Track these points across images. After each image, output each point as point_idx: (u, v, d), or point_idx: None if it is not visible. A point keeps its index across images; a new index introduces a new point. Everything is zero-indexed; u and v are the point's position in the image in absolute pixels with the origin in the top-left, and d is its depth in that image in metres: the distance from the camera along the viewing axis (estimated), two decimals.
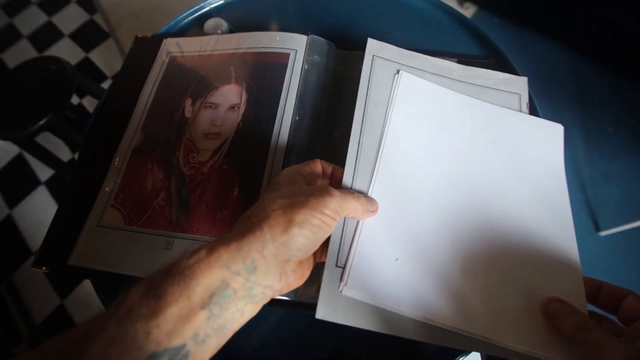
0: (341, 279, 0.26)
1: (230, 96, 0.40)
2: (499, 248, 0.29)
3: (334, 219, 0.24)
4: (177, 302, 0.18)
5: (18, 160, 1.31)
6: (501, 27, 1.31)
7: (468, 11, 1.35)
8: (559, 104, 1.17)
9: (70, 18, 1.57)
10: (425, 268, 0.27)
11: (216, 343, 0.20)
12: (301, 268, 0.24)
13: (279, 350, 0.32)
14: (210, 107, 0.40)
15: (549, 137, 0.35)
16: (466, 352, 0.30)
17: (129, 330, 0.18)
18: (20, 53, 1.51)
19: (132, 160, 0.38)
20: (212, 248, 0.20)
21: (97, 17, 1.55)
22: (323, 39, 0.41)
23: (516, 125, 0.35)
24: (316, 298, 0.26)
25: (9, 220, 1.21)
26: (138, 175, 0.37)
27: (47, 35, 1.54)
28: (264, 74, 0.40)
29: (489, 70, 0.38)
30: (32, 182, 1.26)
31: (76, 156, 1.24)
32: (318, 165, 0.30)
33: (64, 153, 1.26)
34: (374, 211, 0.29)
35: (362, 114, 0.33)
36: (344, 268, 0.27)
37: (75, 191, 0.38)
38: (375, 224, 0.29)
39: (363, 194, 0.29)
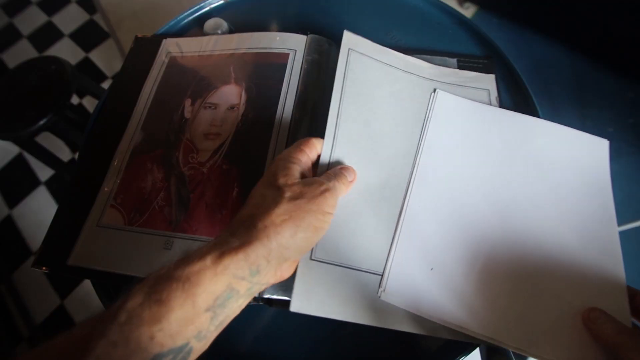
0: (380, 285, 0.28)
1: (229, 96, 0.40)
2: (536, 263, 0.29)
3: (332, 214, 0.24)
4: (181, 307, 0.19)
5: (18, 160, 1.31)
6: (501, 27, 1.31)
7: (468, 11, 1.35)
8: (559, 104, 1.17)
9: (71, 18, 1.57)
10: (460, 280, 0.28)
11: (216, 334, 0.21)
12: (295, 262, 0.26)
13: (278, 350, 0.32)
14: (210, 107, 0.40)
15: (592, 152, 0.35)
16: (466, 352, 0.30)
17: (131, 335, 0.18)
18: (20, 53, 1.51)
19: (132, 161, 0.38)
20: (219, 256, 0.20)
21: (97, 17, 1.55)
22: (323, 38, 0.41)
23: (558, 140, 0.35)
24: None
25: (9, 220, 1.21)
26: (137, 176, 0.37)
27: (47, 35, 1.54)
28: (264, 74, 0.40)
29: (457, 70, 0.40)
30: (32, 182, 1.26)
31: (76, 156, 1.24)
32: (314, 150, 0.29)
33: (64, 153, 1.26)
34: (352, 181, 0.29)
35: (337, 107, 0.33)
36: (382, 275, 0.28)
37: (75, 191, 0.38)
38: (412, 233, 0.30)
39: (339, 168, 0.29)
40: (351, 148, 0.32)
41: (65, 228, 0.36)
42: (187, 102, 0.40)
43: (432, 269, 0.28)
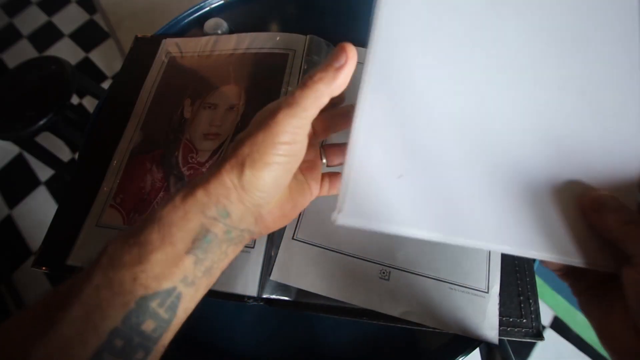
0: (336, 208, 0.21)
1: (229, 96, 0.40)
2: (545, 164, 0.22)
3: (294, 142, 0.20)
4: (160, 248, 0.19)
5: (18, 160, 1.31)
6: None
7: None
8: None
9: (70, 18, 1.57)
10: (437, 184, 0.22)
11: (206, 282, 0.21)
12: (279, 209, 0.22)
13: (278, 350, 0.32)
14: (210, 107, 0.39)
15: None
16: (466, 352, 0.30)
17: (114, 277, 0.18)
18: (20, 53, 1.51)
19: (131, 160, 0.38)
20: (185, 194, 0.20)
21: (97, 17, 1.55)
22: (322, 39, 0.41)
23: None
24: (314, 298, 0.26)
25: (9, 220, 1.21)
26: (137, 176, 0.37)
27: (47, 35, 1.54)
28: (263, 74, 0.40)
29: None
30: (32, 182, 1.26)
31: (76, 156, 1.24)
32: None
33: (64, 153, 1.26)
34: (345, 64, 0.20)
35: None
36: (339, 196, 0.21)
37: (74, 191, 0.38)
38: (368, 140, 0.22)
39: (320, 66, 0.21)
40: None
41: (65, 228, 0.36)
42: (187, 102, 0.40)
43: (400, 176, 0.22)
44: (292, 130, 0.19)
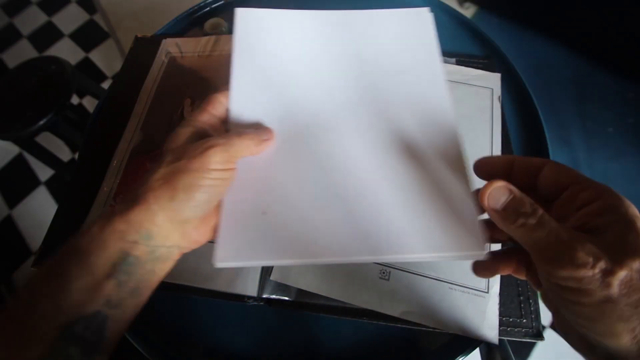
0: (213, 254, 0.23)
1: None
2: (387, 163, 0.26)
3: (226, 169, 0.23)
4: (80, 278, 0.19)
5: (18, 160, 1.31)
6: (501, 27, 1.31)
7: (468, 11, 1.35)
8: (559, 104, 1.17)
9: (71, 18, 1.57)
10: (296, 213, 0.24)
11: (134, 302, 0.22)
12: (205, 224, 0.24)
13: (278, 350, 0.32)
14: None
15: (417, 26, 0.32)
16: (466, 352, 0.30)
17: (35, 309, 0.19)
18: (20, 53, 1.51)
19: (131, 161, 0.38)
20: (104, 224, 0.21)
21: (97, 17, 1.55)
22: None
23: (382, 25, 0.32)
24: (314, 298, 0.26)
25: (9, 220, 1.21)
26: (137, 176, 0.37)
27: (47, 35, 1.54)
28: None
29: (464, 67, 0.39)
30: (32, 182, 1.26)
31: (76, 156, 1.24)
32: (218, 106, 0.26)
33: (64, 153, 1.26)
34: (269, 139, 0.26)
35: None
36: (216, 242, 0.24)
37: (75, 191, 0.38)
38: (237, 182, 0.25)
39: (252, 128, 0.26)
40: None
41: (65, 228, 0.36)
42: (187, 102, 0.40)
43: (263, 213, 0.24)
44: (225, 161, 0.23)
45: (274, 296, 0.30)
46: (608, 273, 0.16)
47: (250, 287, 0.30)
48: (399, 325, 0.30)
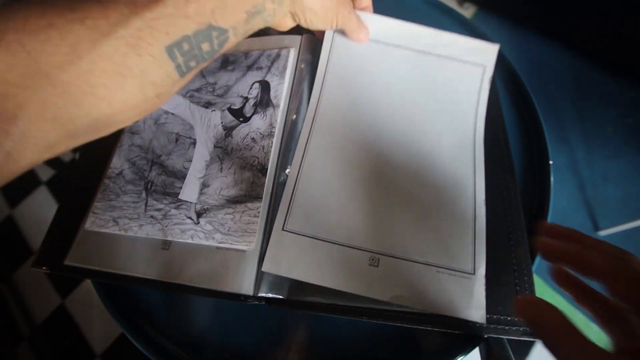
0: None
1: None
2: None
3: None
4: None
5: None
6: (501, 27, 1.31)
7: (468, 11, 1.35)
8: (559, 104, 1.18)
9: None
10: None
11: (236, 41, 0.27)
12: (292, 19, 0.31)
13: (278, 350, 0.33)
14: None
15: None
16: (466, 352, 0.31)
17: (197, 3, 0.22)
18: None
19: None
20: None
21: None
22: (317, 38, 0.41)
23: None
24: (311, 296, 0.27)
25: (10, 220, 1.21)
26: None
27: None
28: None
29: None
30: (33, 182, 1.26)
31: (76, 156, 1.24)
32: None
33: (65, 153, 1.26)
34: (365, 36, 0.37)
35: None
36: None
37: (75, 191, 0.39)
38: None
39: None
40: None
41: (65, 228, 0.36)
42: None
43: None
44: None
45: (269, 295, 0.31)
46: None
47: (245, 286, 0.30)
48: (398, 324, 0.30)
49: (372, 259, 0.31)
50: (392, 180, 0.33)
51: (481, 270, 0.30)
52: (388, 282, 0.30)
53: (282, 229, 0.32)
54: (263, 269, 0.30)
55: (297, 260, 0.31)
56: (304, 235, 0.32)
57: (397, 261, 0.31)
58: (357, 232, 0.32)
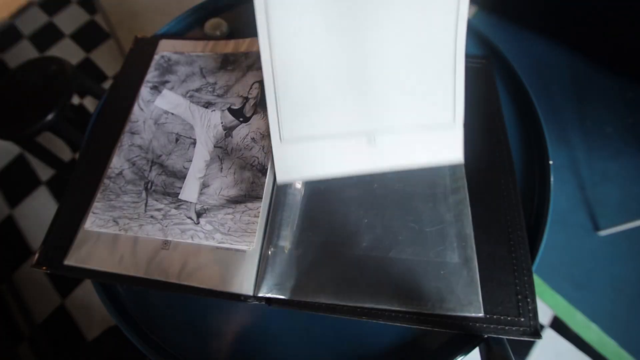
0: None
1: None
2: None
3: None
4: None
5: (19, 160, 1.31)
6: (501, 27, 1.31)
7: (468, 11, 1.35)
8: (559, 104, 1.18)
9: (71, 18, 1.57)
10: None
11: None
12: None
13: (278, 350, 0.33)
14: None
15: None
16: (466, 352, 0.31)
17: None
18: (21, 53, 1.52)
19: None
20: None
21: (98, 18, 1.55)
22: None
23: None
24: (312, 297, 0.27)
25: (10, 220, 1.21)
26: None
27: (48, 35, 1.54)
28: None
29: None
30: (33, 182, 1.26)
31: (76, 156, 1.24)
32: None
33: (65, 153, 1.26)
34: None
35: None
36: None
37: (75, 191, 0.39)
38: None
39: None
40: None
41: (65, 228, 0.36)
42: None
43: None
44: None
45: (269, 295, 0.31)
46: None
47: (245, 286, 0.30)
48: (398, 324, 0.30)
49: (370, 138, 0.34)
50: (371, 55, 0.33)
51: (459, 119, 0.34)
52: (386, 156, 0.34)
53: (280, 141, 0.33)
54: (278, 182, 0.33)
55: (304, 162, 0.33)
56: (301, 140, 0.33)
57: (391, 137, 0.34)
58: (350, 117, 0.34)
